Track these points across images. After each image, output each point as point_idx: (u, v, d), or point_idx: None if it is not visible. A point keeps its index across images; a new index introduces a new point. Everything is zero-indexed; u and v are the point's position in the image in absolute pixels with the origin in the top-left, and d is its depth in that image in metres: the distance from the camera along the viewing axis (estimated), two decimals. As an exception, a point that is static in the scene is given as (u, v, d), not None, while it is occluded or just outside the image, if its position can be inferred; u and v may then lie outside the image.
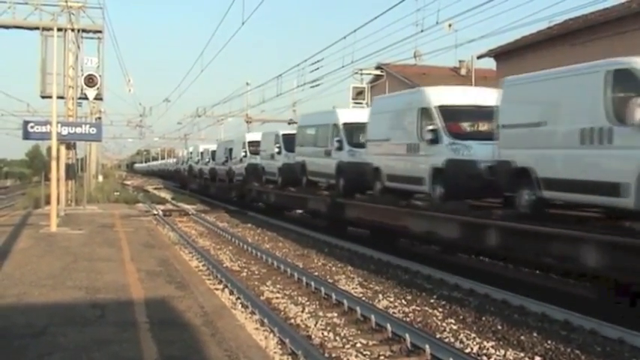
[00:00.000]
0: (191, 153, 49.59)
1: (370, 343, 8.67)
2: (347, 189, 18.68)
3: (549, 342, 8.54)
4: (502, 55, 25.51)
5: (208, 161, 40.54)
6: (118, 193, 39.76)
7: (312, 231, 21.32)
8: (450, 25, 19.76)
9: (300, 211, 26.57)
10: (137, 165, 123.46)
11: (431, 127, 13.78)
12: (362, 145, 17.97)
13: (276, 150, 25.57)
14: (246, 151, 30.74)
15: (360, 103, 30.74)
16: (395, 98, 17.63)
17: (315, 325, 9.60)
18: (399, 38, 39.34)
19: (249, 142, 30.96)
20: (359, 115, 19.59)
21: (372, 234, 18.42)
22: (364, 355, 8.12)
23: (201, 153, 44.02)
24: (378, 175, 16.49)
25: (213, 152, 39.68)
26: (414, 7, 17.97)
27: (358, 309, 10.08)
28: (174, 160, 68.48)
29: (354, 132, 19.09)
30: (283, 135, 25.68)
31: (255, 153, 29.34)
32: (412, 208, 15.03)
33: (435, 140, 13.69)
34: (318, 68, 27.46)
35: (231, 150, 34.16)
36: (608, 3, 19.95)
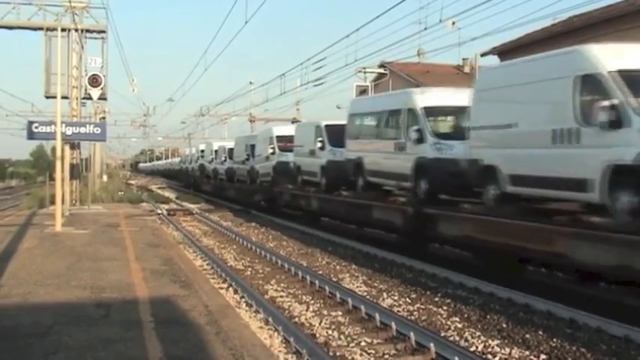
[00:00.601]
0: (202, 151, 45.74)
1: (375, 341, 8.66)
2: (431, 194, 14.46)
3: (555, 340, 8.51)
4: (505, 52, 25.45)
5: (224, 160, 37.02)
6: (122, 193, 39.92)
7: (316, 230, 21.31)
8: (453, 23, 19.74)
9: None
10: (142, 165, 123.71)
11: (606, 104, 9.54)
12: (451, 137, 14.26)
13: (319, 145, 21.21)
14: (274, 148, 26.62)
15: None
16: (522, 66, 12.45)
17: (320, 324, 9.59)
18: (403, 36, 39.31)
19: (277, 137, 26.78)
20: (445, 96, 15.56)
21: (487, 261, 13.07)
22: (369, 354, 8.10)
23: (216, 151, 40.22)
24: (491, 175, 12.16)
25: (230, 150, 36.02)
26: (417, 5, 18.06)
27: (362, 307, 10.07)
28: (179, 159, 68.14)
29: (439, 119, 15.23)
30: (326, 126, 21.43)
31: (285, 150, 25.59)
32: (580, 226, 10.15)
33: (616, 123, 9.42)
34: (321, 67, 27.47)
35: (253, 147, 30.23)
36: (611, 0, 19.95)
